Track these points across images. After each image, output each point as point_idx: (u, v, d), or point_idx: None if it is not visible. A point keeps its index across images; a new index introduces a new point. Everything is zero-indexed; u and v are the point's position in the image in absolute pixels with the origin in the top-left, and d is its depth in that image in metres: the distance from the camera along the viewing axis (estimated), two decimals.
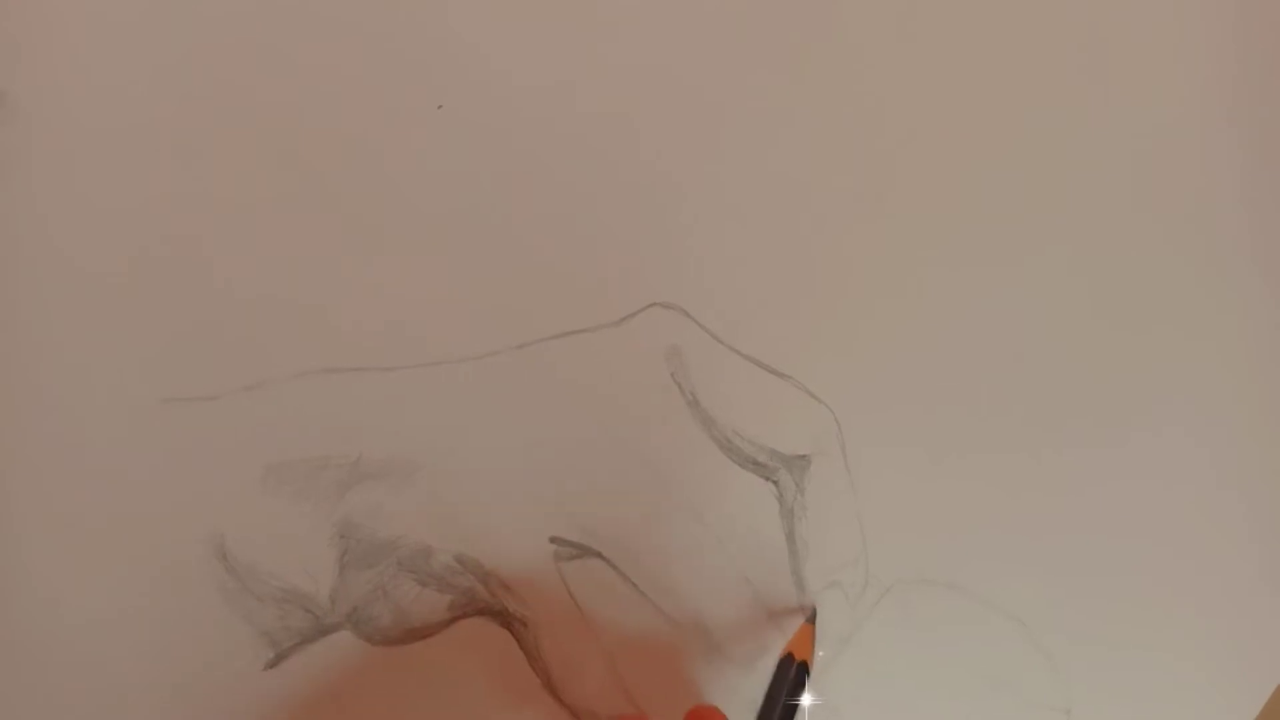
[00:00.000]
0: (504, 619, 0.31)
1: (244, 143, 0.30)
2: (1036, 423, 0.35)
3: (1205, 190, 0.36)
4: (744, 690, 0.33)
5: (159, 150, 0.30)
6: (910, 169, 0.35)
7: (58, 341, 0.29)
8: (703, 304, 0.33)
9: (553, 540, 0.32)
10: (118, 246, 0.30)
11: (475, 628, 0.31)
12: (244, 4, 0.30)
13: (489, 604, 0.31)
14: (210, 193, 0.30)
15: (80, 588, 0.29)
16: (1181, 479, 0.36)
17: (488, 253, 0.32)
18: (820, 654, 0.33)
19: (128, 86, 0.30)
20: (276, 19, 0.31)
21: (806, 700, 0.31)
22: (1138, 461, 0.36)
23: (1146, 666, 0.36)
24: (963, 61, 0.35)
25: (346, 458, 0.30)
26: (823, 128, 0.34)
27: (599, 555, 0.32)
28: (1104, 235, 0.36)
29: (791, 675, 0.31)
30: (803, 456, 0.34)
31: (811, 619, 0.33)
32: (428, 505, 0.31)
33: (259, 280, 0.30)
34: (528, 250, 0.32)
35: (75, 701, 0.29)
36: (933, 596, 0.35)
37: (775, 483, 0.33)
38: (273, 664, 0.30)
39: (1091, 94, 0.36)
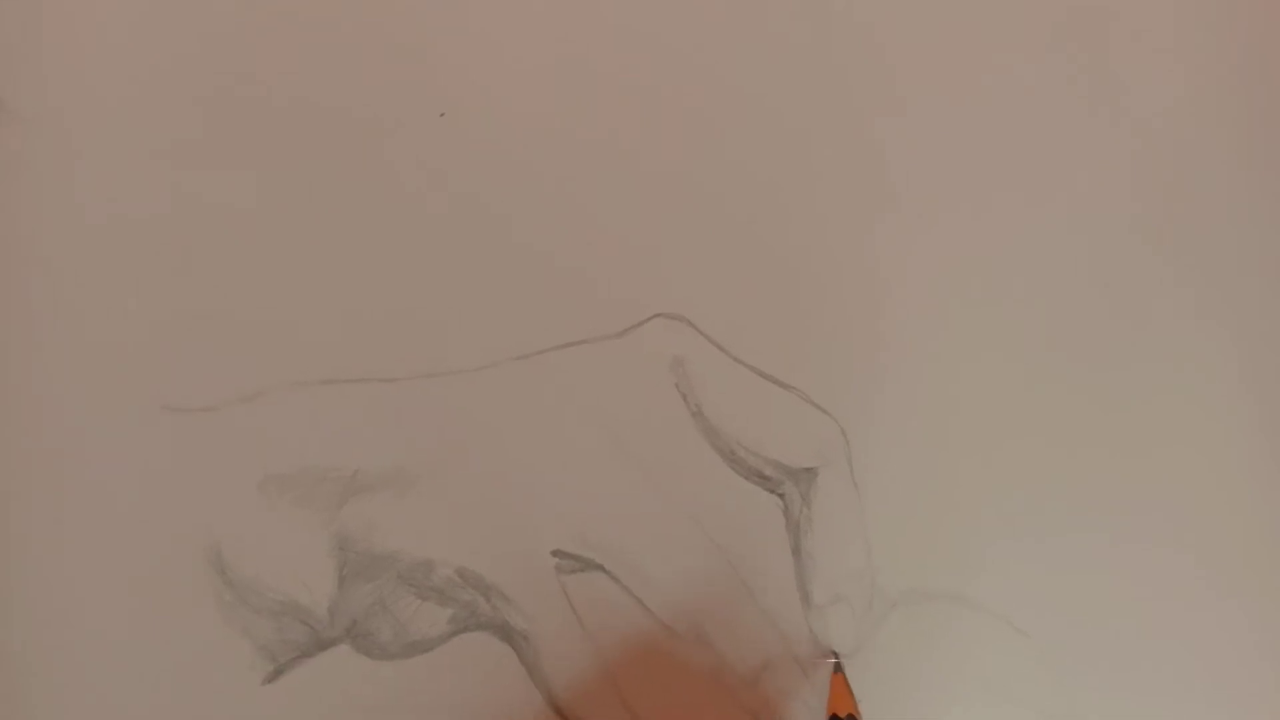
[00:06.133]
0: (505, 633, 0.31)
1: (244, 153, 0.30)
2: (1044, 434, 0.35)
3: (1212, 196, 0.36)
4: (748, 704, 0.33)
5: (159, 159, 0.30)
6: (916, 181, 0.34)
7: (57, 350, 0.29)
8: (707, 315, 0.33)
9: (555, 553, 0.32)
10: (117, 255, 0.30)
11: (476, 641, 0.31)
12: (243, 15, 0.30)
13: (490, 617, 0.31)
14: (210, 202, 0.30)
15: (78, 597, 0.29)
16: (1190, 490, 0.36)
17: (489, 263, 0.31)
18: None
19: (127, 95, 0.30)
20: (276, 29, 0.31)
21: None
22: (1146, 473, 0.36)
23: (1153, 679, 0.36)
24: (967, 69, 0.35)
25: (345, 469, 0.30)
26: (827, 140, 0.34)
27: (601, 568, 0.32)
28: (1112, 244, 0.36)
29: None
30: (809, 469, 0.33)
31: (838, 668, 0.32)
32: (428, 518, 0.31)
33: (259, 290, 0.30)
34: (530, 260, 0.32)
35: (73, 711, 0.29)
36: (939, 609, 0.34)
37: (781, 495, 0.33)
38: (271, 678, 0.30)
39: (1095, 97, 0.36)
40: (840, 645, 0.33)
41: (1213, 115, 0.36)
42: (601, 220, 0.32)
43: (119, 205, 0.30)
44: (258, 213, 0.30)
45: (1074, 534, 0.35)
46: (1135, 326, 0.36)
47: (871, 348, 0.34)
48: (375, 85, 0.31)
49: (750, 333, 0.33)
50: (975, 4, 0.35)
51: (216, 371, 0.30)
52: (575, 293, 0.32)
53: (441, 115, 0.31)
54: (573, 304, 0.32)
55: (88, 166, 0.30)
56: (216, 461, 0.30)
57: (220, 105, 0.30)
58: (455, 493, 0.31)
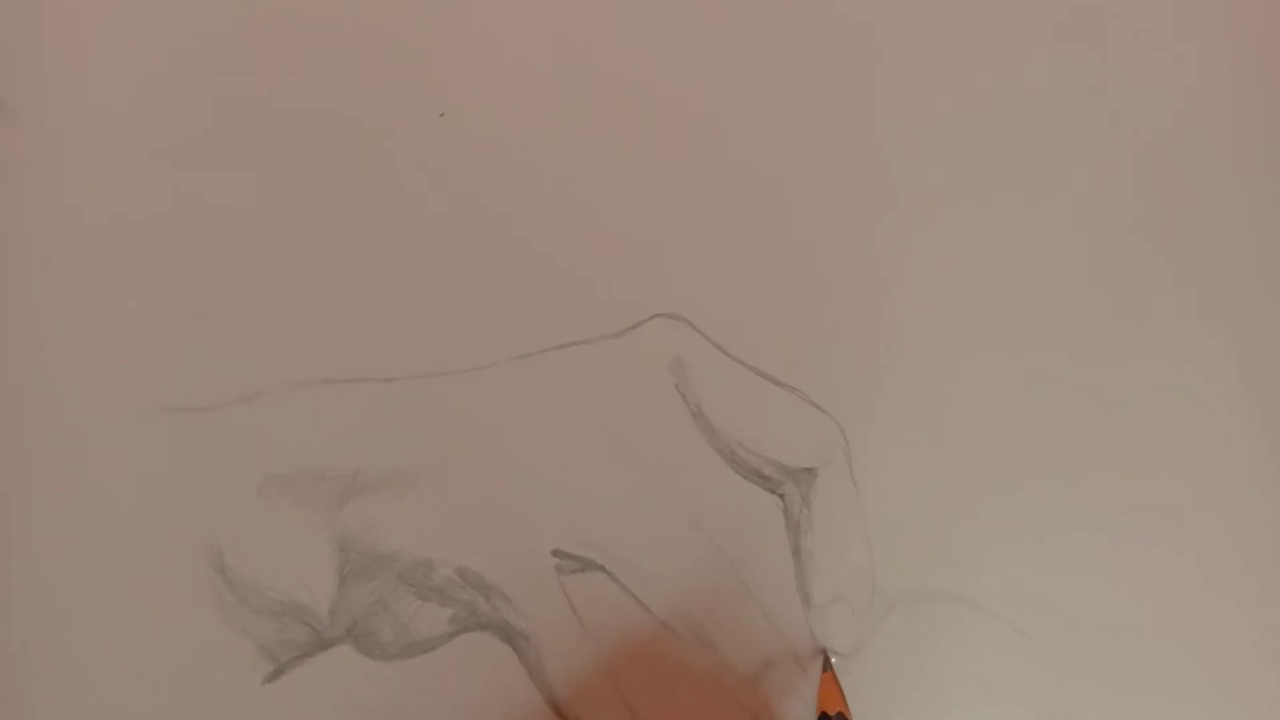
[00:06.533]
0: (505, 633, 0.31)
1: (243, 152, 0.30)
2: (1044, 434, 0.35)
3: (1212, 196, 0.36)
4: (749, 705, 0.33)
5: (159, 159, 0.30)
6: (916, 181, 0.34)
7: (56, 350, 0.29)
8: (707, 314, 0.33)
9: (555, 553, 0.32)
10: (117, 255, 0.30)
11: (476, 642, 0.31)
12: (243, 14, 0.30)
13: (490, 618, 0.31)
14: (210, 202, 0.30)
15: (78, 597, 0.29)
16: (1190, 490, 0.36)
17: (489, 262, 0.31)
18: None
19: (127, 95, 0.30)
20: (275, 28, 0.31)
21: None
22: (1146, 473, 0.36)
23: (1153, 679, 0.36)
24: (967, 69, 0.35)
25: (346, 469, 0.30)
26: (827, 139, 0.34)
27: (601, 568, 0.32)
28: (1112, 244, 0.36)
29: None
30: (808, 469, 0.33)
31: (827, 666, 0.32)
32: (428, 517, 0.31)
33: (259, 290, 0.30)
34: (529, 260, 0.32)
35: (73, 711, 0.29)
36: (939, 609, 0.34)
37: (780, 495, 0.33)
38: (271, 678, 0.30)
39: (1095, 97, 0.36)
40: (840, 645, 0.33)
41: (1213, 115, 0.36)
42: (601, 220, 0.32)
43: (119, 205, 0.30)
44: (258, 213, 0.30)
45: (1074, 534, 0.35)
46: (1135, 326, 0.36)
47: (871, 348, 0.34)
48: (375, 85, 0.31)
49: (750, 333, 0.33)
50: (975, 4, 0.35)
51: (216, 371, 0.30)
52: (575, 292, 0.32)
53: (441, 115, 0.31)
54: (572, 304, 0.32)
55: (88, 166, 0.30)
56: (216, 462, 0.30)
57: (220, 105, 0.30)
58: (455, 492, 0.31)
